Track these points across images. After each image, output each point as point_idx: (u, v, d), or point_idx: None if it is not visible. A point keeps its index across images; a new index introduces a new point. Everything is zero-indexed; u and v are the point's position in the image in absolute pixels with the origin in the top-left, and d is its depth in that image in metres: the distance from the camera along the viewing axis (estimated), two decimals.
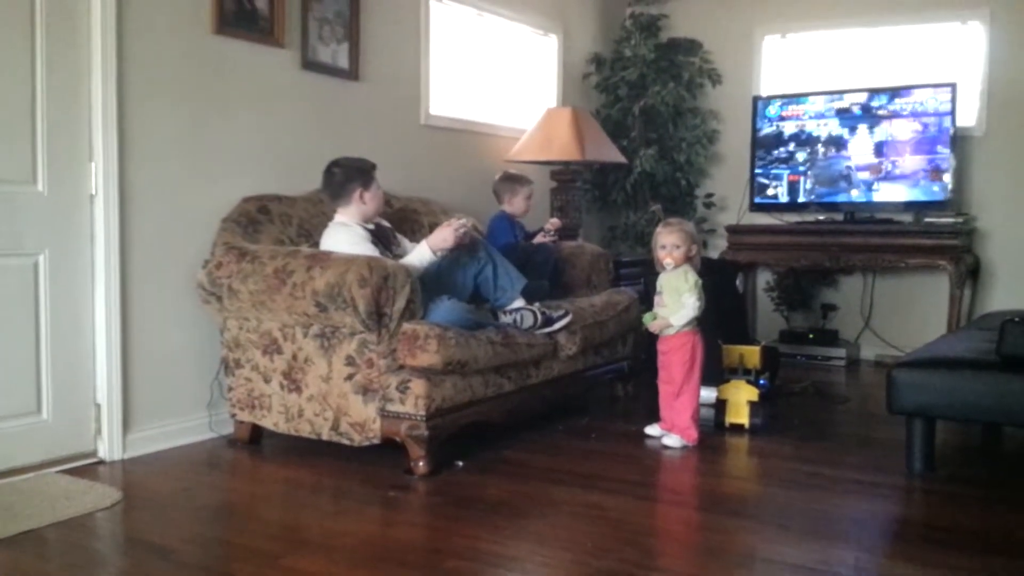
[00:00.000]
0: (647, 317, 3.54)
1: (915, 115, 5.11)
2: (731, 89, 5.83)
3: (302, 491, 2.98)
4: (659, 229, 3.50)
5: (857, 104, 5.26)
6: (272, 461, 3.33)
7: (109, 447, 3.25)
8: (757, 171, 5.51)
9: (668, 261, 3.43)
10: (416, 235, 3.90)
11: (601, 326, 3.92)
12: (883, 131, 5.20)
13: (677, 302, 3.44)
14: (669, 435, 3.50)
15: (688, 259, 3.45)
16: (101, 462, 3.23)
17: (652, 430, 3.59)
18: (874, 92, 5.23)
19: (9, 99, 3.00)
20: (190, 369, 3.51)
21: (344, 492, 2.95)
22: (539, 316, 3.53)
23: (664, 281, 3.50)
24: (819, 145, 5.36)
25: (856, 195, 5.27)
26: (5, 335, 3.01)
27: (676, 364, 3.48)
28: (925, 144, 5.09)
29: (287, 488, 3.02)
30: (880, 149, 5.21)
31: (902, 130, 5.14)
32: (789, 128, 5.43)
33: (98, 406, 3.25)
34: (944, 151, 5.04)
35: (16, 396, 3.05)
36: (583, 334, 3.74)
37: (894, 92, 5.17)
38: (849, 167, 5.29)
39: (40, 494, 2.83)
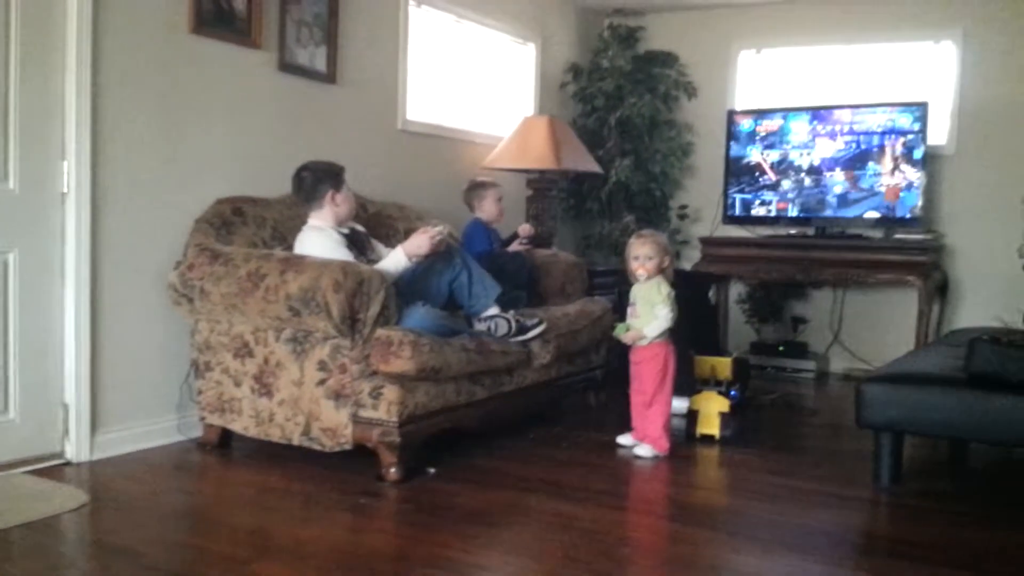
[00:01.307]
0: (619, 328, 3.55)
1: (887, 133, 5.18)
2: (706, 103, 5.88)
3: (271, 496, 2.95)
4: (632, 240, 3.53)
5: (830, 121, 5.32)
6: (241, 465, 3.30)
7: (76, 448, 3.21)
8: (735, 193, 5.55)
9: (641, 272, 3.46)
10: (391, 240, 3.89)
11: (575, 335, 3.93)
12: (854, 147, 5.26)
13: (650, 313, 3.46)
14: (641, 445, 3.50)
15: (660, 270, 3.48)
16: (68, 463, 3.19)
17: (624, 440, 3.60)
18: (846, 109, 5.30)
19: None
20: (160, 371, 3.47)
21: (314, 498, 2.93)
22: (513, 324, 3.54)
23: (637, 292, 3.52)
24: (793, 165, 5.40)
25: (828, 211, 5.33)
26: None
27: (648, 374, 3.50)
28: (896, 161, 5.16)
29: (256, 493, 3.00)
30: (851, 165, 5.27)
31: (873, 147, 5.21)
32: (762, 146, 5.48)
33: (66, 406, 3.21)
34: (915, 169, 5.12)
35: None
36: (557, 343, 3.75)
37: (866, 109, 5.24)
38: (821, 183, 5.35)
39: (6, 495, 2.78)
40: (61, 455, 3.21)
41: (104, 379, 3.29)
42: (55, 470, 3.11)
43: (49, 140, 3.14)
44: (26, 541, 2.46)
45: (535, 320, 3.64)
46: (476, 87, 5.31)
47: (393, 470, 3.05)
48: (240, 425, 3.30)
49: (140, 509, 2.78)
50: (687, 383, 3.86)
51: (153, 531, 2.60)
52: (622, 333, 3.52)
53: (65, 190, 3.17)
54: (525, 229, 4.46)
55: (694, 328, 4.23)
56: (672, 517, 2.90)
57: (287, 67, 3.94)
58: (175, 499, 2.94)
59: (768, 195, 5.49)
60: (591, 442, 3.73)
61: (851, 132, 5.27)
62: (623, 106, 5.67)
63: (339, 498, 2.92)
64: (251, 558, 2.38)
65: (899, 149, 5.14)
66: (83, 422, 3.22)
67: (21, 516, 2.60)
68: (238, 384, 3.27)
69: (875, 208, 5.20)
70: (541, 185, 5.17)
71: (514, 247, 4.32)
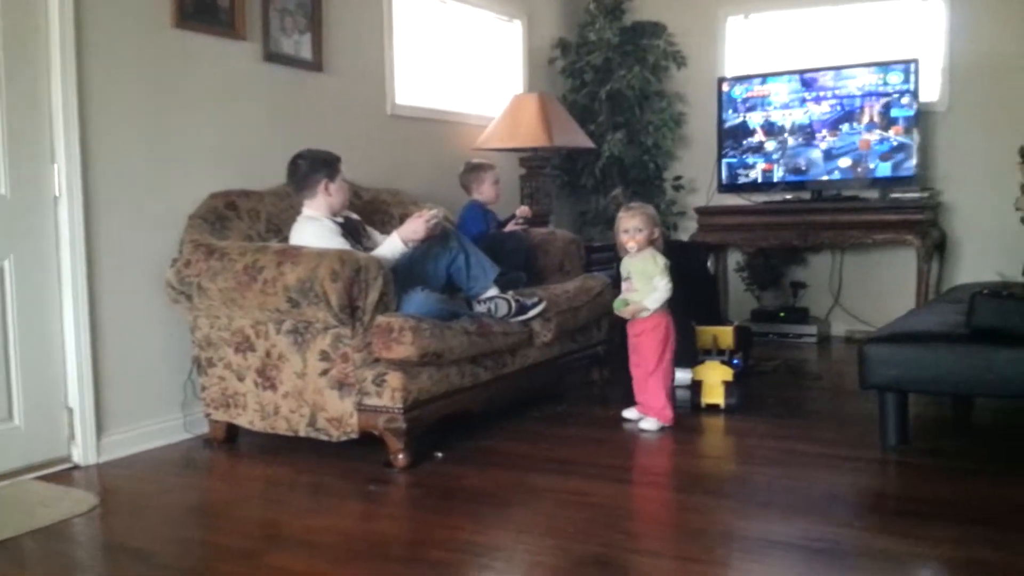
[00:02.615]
0: (618, 303, 3.55)
1: (878, 92, 5.16)
2: (696, 71, 5.85)
3: (281, 488, 2.96)
4: (621, 214, 3.54)
5: (820, 83, 5.29)
6: (249, 459, 3.30)
7: (83, 451, 3.21)
8: (728, 160, 5.53)
9: (631, 245, 3.47)
10: (386, 227, 3.87)
11: (575, 312, 3.93)
12: (847, 108, 5.24)
13: (648, 285, 3.46)
14: (646, 418, 3.51)
15: (651, 242, 3.49)
16: (76, 467, 3.19)
17: (630, 413, 3.60)
18: (837, 70, 5.27)
19: None
20: (162, 370, 3.47)
21: (323, 488, 2.93)
22: (513, 304, 3.53)
23: (631, 265, 3.52)
24: (786, 129, 5.38)
25: (822, 174, 5.31)
26: None
27: (649, 346, 3.50)
28: (889, 120, 5.14)
29: (265, 486, 3.00)
30: (844, 126, 5.25)
31: (866, 107, 5.18)
32: (754, 112, 5.46)
33: (70, 410, 3.21)
34: (908, 127, 5.09)
35: None
36: (558, 320, 3.74)
37: (857, 69, 5.21)
38: (815, 146, 5.33)
39: (15, 502, 2.79)
40: (68, 459, 3.21)
41: (107, 381, 3.29)
42: (63, 474, 3.11)
43: (37, 144, 3.12)
44: (38, 547, 2.47)
45: (535, 299, 3.63)
46: (464, 68, 5.27)
47: (400, 456, 3.05)
48: (245, 419, 3.30)
49: (150, 509, 2.78)
50: (689, 354, 3.86)
51: (165, 530, 2.61)
52: (621, 308, 3.53)
53: (57, 193, 3.15)
54: (523, 211, 4.44)
55: (694, 298, 4.22)
56: (681, 488, 2.91)
57: (273, 57, 3.91)
58: (185, 497, 2.95)
59: (762, 161, 5.47)
60: (596, 418, 3.74)
61: (842, 94, 5.24)
62: (613, 79, 5.64)
63: (348, 487, 2.92)
64: (264, 551, 2.39)
65: (892, 108, 5.11)
66: (88, 425, 3.21)
67: (32, 522, 2.60)
68: (241, 379, 3.27)
69: (870, 168, 5.18)
70: (534, 163, 5.15)
71: (510, 227, 4.31)
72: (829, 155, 5.30)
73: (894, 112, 5.12)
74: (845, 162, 5.26)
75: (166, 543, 2.49)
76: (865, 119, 5.19)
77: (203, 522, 2.75)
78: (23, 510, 2.70)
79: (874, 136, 5.18)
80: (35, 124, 3.11)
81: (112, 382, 3.30)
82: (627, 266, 3.53)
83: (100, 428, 3.25)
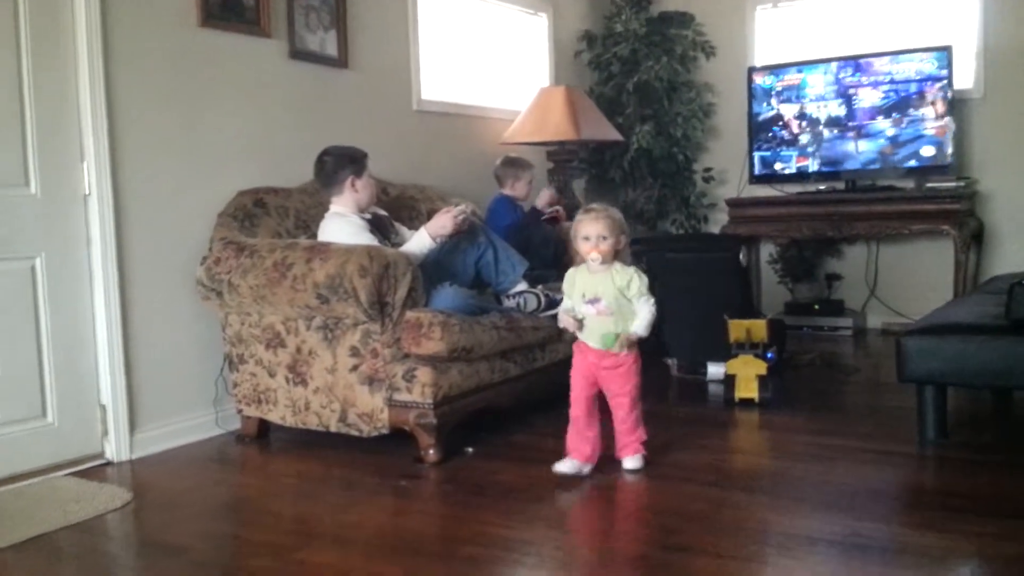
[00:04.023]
0: (608, 340, 2.79)
1: (912, 80, 5.07)
2: (725, 61, 5.78)
3: (313, 484, 2.96)
4: (580, 217, 2.82)
5: (851, 72, 5.21)
6: (281, 455, 3.31)
7: (116, 448, 3.23)
8: (760, 152, 5.46)
9: (595, 255, 2.75)
10: (413, 223, 3.86)
11: None
12: (880, 97, 5.15)
13: (627, 309, 2.79)
14: (631, 458, 2.89)
15: (616, 253, 2.80)
16: (109, 463, 3.22)
17: (566, 466, 2.84)
18: (870, 58, 5.18)
19: None
20: (194, 366, 3.48)
21: (355, 483, 2.93)
22: (543, 299, 3.51)
23: (594, 284, 2.79)
24: (819, 119, 5.31)
25: (856, 163, 5.23)
26: (6, 340, 2.98)
27: (629, 377, 2.85)
28: (924, 109, 5.05)
29: (297, 481, 3.00)
30: (879, 116, 5.16)
31: (900, 95, 5.10)
32: (786, 102, 5.38)
33: (103, 407, 3.23)
34: (943, 115, 5.00)
35: (20, 400, 3.03)
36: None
37: (889, 57, 5.12)
38: (848, 135, 5.24)
39: (50, 498, 2.81)
40: (101, 455, 3.23)
41: (139, 378, 3.31)
42: (96, 470, 3.13)
43: (67, 143, 3.14)
44: (73, 542, 2.48)
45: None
46: (490, 62, 5.25)
47: (431, 451, 3.04)
48: (277, 415, 3.30)
49: (184, 504, 2.79)
50: (722, 347, 3.81)
51: (198, 525, 2.62)
52: (613, 346, 2.79)
53: (87, 191, 3.17)
54: (546, 197, 4.41)
55: (726, 291, 4.17)
56: (715, 483, 2.87)
57: (298, 54, 3.91)
58: (218, 492, 2.96)
59: (794, 151, 5.40)
60: None
61: (876, 82, 5.16)
62: (640, 71, 5.59)
63: (380, 482, 2.92)
64: (297, 546, 2.38)
65: (927, 96, 5.02)
66: (121, 422, 3.23)
67: (66, 518, 2.61)
68: (272, 375, 3.27)
69: (905, 158, 5.09)
70: (561, 157, 5.12)
71: (546, 213, 4.32)
72: (863, 144, 5.21)
73: (929, 100, 5.03)
74: (879, 151, 5.18)
75: (199, 538, 2.50)
76: (899, 107, 5.10)
77: (236, 517, 2.75)
78: (57, 506, 2.72)
79: (908, 124, 5.09)
80: (64, 123, 3.13)
81: (144, 379, 3.32)
82: (589, 284, 2.80)
83: (133, 425, 3.27)
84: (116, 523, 2.64)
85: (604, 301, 2.77)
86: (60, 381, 3.12)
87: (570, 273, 2.87)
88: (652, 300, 2.79)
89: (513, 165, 4.34)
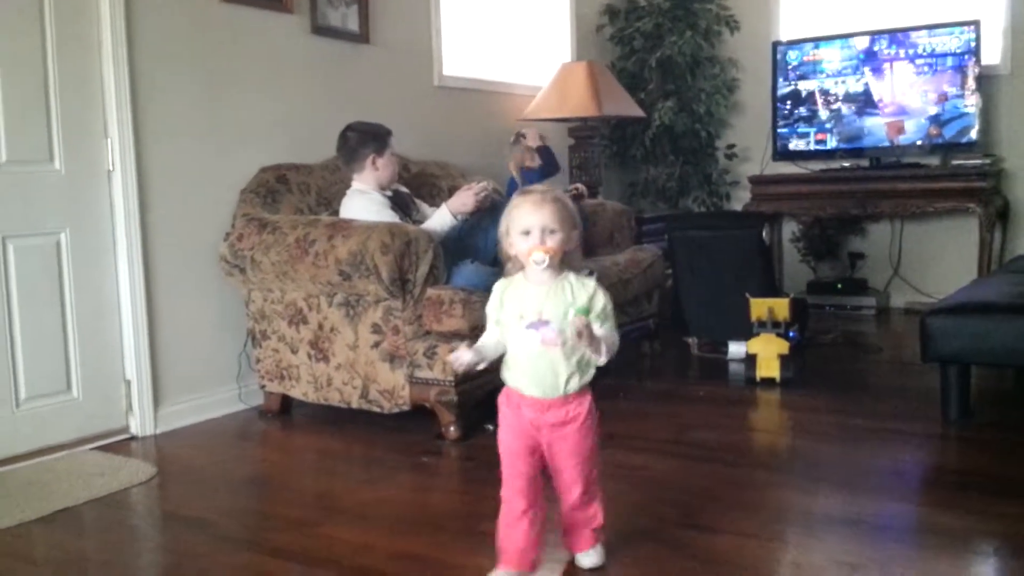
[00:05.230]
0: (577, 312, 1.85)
1: (939, 55, 4.99)
2: (749, 36, 5.70)
3: (335, 460, 2.98)
4: (516, 202, 1.92)
5: (878, 47, 5.13)
6: (303, 430, 3.33)
7: (141, 422, 3.26)
8: (783, 128, 5.40)
9: (539, 256, 1.85)
10: (435, 200, 3.85)
11: (626, 284, 3.88)
12: (906, 73, 5.08)
13: (581, 314, 1.84)
14: (587, 553, 2.08)
15: (565, 254, 1.91)
16: (133, 438, 3.25)
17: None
18: (895, 33, 5.10)
19: (21, 79, 2.97)
20: (217, 342, 3.50)
21: (376, 459, 2.95)
22: None
23: (537, 300, 1.88)
24: (843, 95, 5.24)
25: (881, 140, 5.17)
26: (32, 315, 3.01)
27: (584, 435, 1.95)
28: (950, 84, 4.97)
29: (320, 457, 3.03)
30: (904, 92, 5.09)
31: (926, 71, 5.02)
32: (809, 78, 5.32)
33: (128, 382, 3.26)
34: (969, 91, 4.93)
35: (46, 375, 3.06)
36: (608, 293, 3.69)
37: (916, 32, 5.04)
38: (873, 111, 5.18)
39: (75, 472, 2.84)
40: (126, 430, 3.27)
41: (163, 353, 3.33)
42: (121, 445, 3.17)
43: (90, 119, 3.15)
44: (98, 516, 2.51)
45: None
46: (511, 37, 5.21)
47: (452, 428, 3.05)
48: (299, 391, 3.32)
49: (207, 478, 2.82)
50: (744, 326, 3.79)
51: (222, 499, 2.64)
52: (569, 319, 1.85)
53: (111, 167, 3.19)
54: (576, 188, 4.41)
55: (748, 270, 4.14)
56: (735, 463, 2.86)
57: (320, 30, 3.90)
58: (241, 467, 2.98)
59: (817, 128, 5.33)
60: (648, 392, 3.70)
61: (901, 57, 5.08)
62: (663, 45, 5.53)
63: (401, 458, 2.93)
64: (320, 521, 2.40)
65: (953, 72, 4.94)
66: (146, 397, 3.27)
67: (91, 491, 2.65)
68: (295, 351, 3.29)
69: (930, 135, 5.02)
70: (583, 133, 5.09)
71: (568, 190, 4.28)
72: (887, 121, 5.14)
73: (955, 76, 4.95)
74: (904, 128, 5.11)
75: (223, 512, 2.52)
76: (925, 83, 5.03)
77: (259, 492, 2.77)
78: (82, 480, 2.75)
79: (934, 101, 5.01)
80: (87, 100, 3.14)
81: (168, 354, 3.35)
82: (528, 300, 1.89)
83: (157, 400, 3.31)
84: (141, 497, 2.67)
85: (553, 324, 1.86)
86: (85, 356, 3.15)
87: (498, 287, 1.95)
88: (614, 327, 1.93)
89: (515, 141, 4.28)
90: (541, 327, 1.87)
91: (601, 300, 1.91)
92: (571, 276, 1.92)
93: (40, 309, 3.04)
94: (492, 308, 1.96)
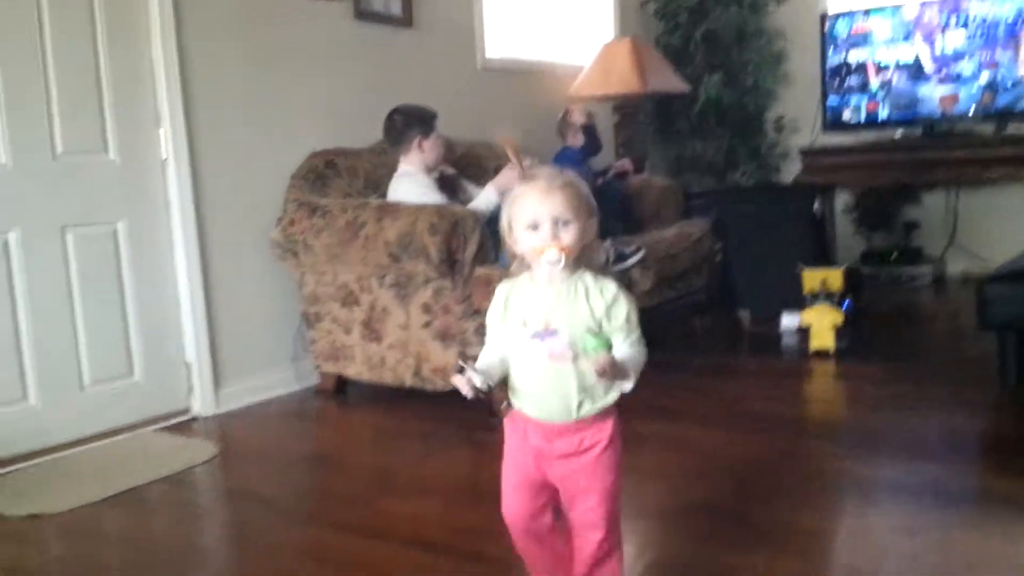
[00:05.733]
0: (588, 344, 1.48)
1: (992, 22, 4.85)
2: (797, 6, 5.61)
3: (390, 437, 3.03)
4: (520, 190, 1.56)
5: (928, 15, 5.01)
6: (358, 409, 3.39)
7: (202, 403, 3.34)
8: (834, 99, 5.31)
9: (552, 253, 1.50)
10: (481, 180, 3.86)
11: (674, 259, 3.86)
12: (958, 40, 4.95)
13: (600, 349, 1.46)
14: None
15: (583, 248, 1.55)
16: (195, 418, 3.33)
17: None
18: (945, 0, 4.99)
19: (74, 71, 3.04)
20: (273, 324, 3.57)
21: (431, 436, 2.99)
22: (612, 253, 3.49)
23: (547, 305, 1.55)
24: (893, 64, 5.13)
25: (934, 109, 5.05)
26: (93, 302, 3.10)
27: (605, 467, 1.62)
28: (1005, 51, 4.84)
29: (375, 434, 3.08)
30: (956, 59, 4.97)
31: (979, 38, 4.89)
32: (859, 48, 5.21)
33: (188, 365, 3.34)
34: (1023, 58, 4.80)
35: (108, 360, 3.15)
36: (656, 268, 3.68)
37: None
38: (926, 80, 5.06)
39: (139, 452, 2.93)
40: (187, 411, 3.35)
41: (221, 336, 3.41)
42: (183, 425, 3.25)
43: (143, 109, 3.22)
44: (163, 495, 2.59)
45: (633, 247, 3.59)
46: (554, 16, 5.19)
47: (505, 404, 3.06)
48: (354, 371, 3.38)
49: (267, 457, 2.89)
50: (797, 298, 3.76)
51: (282, 476, 2.71)
52: (590, 350, 1.47)
53: (165, 156, 3.26)
54: (623, 164, 4.40)
55: (799, 241, 4.10)
56: (790, 434, 2.85)
57: (364, 14, 3.92)
58: (299, 445, 3.05)
59: (868, 98, 5.23)
60: (699, 365, 3.68)
61: (953, 22, 4.95)
62: (708, 19, 5.46)
63: (455, 435, 2.97)
64: (378, 496, 2.45)
65: (1007, 36, 4.81)
66: (206, 378, 3.35)
67: (157, 471, 2.73)
68: (348, 331, 3.34)
69: (984, 102, 4.90)
70: (628, 110, 5.06)
71: (615, 169, 4.31)
72: (940, 89, 5.03)
73: (1007, 42, 4.82)
74: (958, 96, 4.99)
75: (284, 489, 2.59)
76: (978, 51, 4.90)
77: (318, 469, 2.84)
78: (147, 460, 2.84)
79: (988, 68, 4.89)
80: (139, 90, 3.21)
81: (226, 337, 3.42)
82: (536, 306, 1.56)
83: (217, 381, 3.38)
84: (204, 475, 2.74)
85: (563, 336, 1.53)
86: (145, 341, 3.24)
87: (501, 290, 1.64)
88: (644, 343, 1.58)
89: (565, 119, 4.35)
90: (548, 337, 1.54)
91: (623, 308, 1.54)
92: (587, 276, 1.55)
93: (100, 296, 3.12)
94: (494, 314, 1.64)
